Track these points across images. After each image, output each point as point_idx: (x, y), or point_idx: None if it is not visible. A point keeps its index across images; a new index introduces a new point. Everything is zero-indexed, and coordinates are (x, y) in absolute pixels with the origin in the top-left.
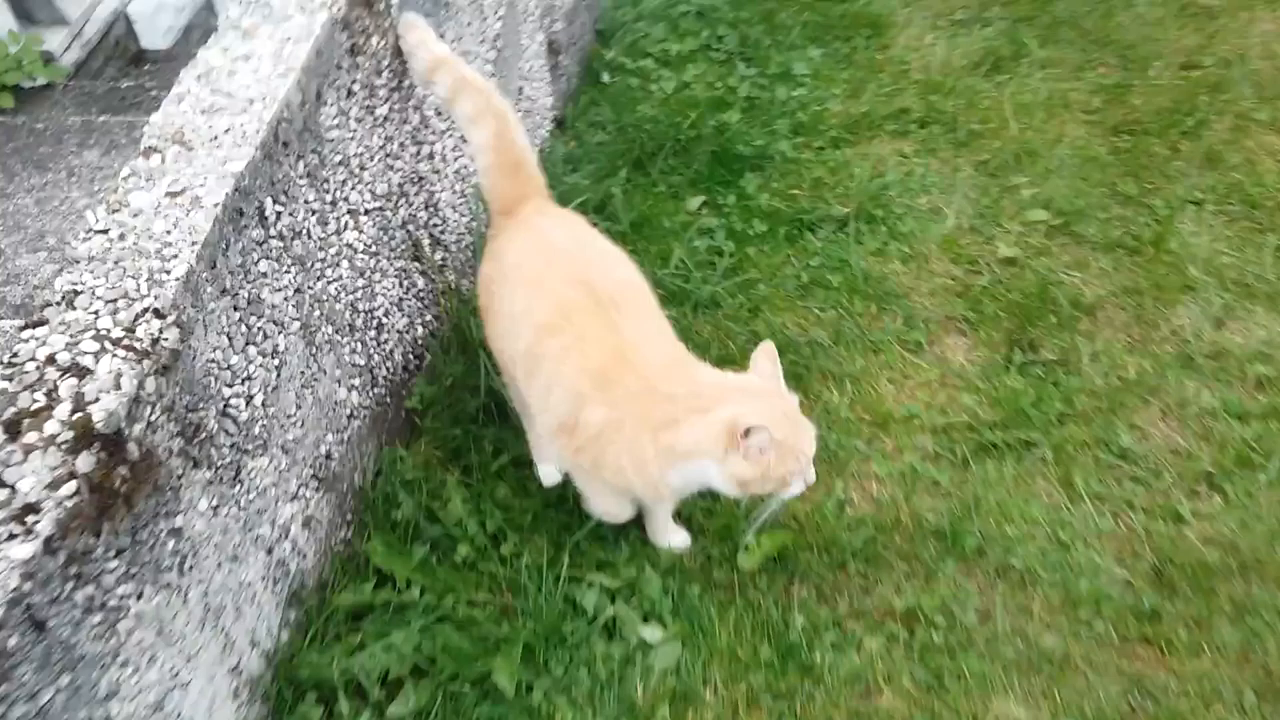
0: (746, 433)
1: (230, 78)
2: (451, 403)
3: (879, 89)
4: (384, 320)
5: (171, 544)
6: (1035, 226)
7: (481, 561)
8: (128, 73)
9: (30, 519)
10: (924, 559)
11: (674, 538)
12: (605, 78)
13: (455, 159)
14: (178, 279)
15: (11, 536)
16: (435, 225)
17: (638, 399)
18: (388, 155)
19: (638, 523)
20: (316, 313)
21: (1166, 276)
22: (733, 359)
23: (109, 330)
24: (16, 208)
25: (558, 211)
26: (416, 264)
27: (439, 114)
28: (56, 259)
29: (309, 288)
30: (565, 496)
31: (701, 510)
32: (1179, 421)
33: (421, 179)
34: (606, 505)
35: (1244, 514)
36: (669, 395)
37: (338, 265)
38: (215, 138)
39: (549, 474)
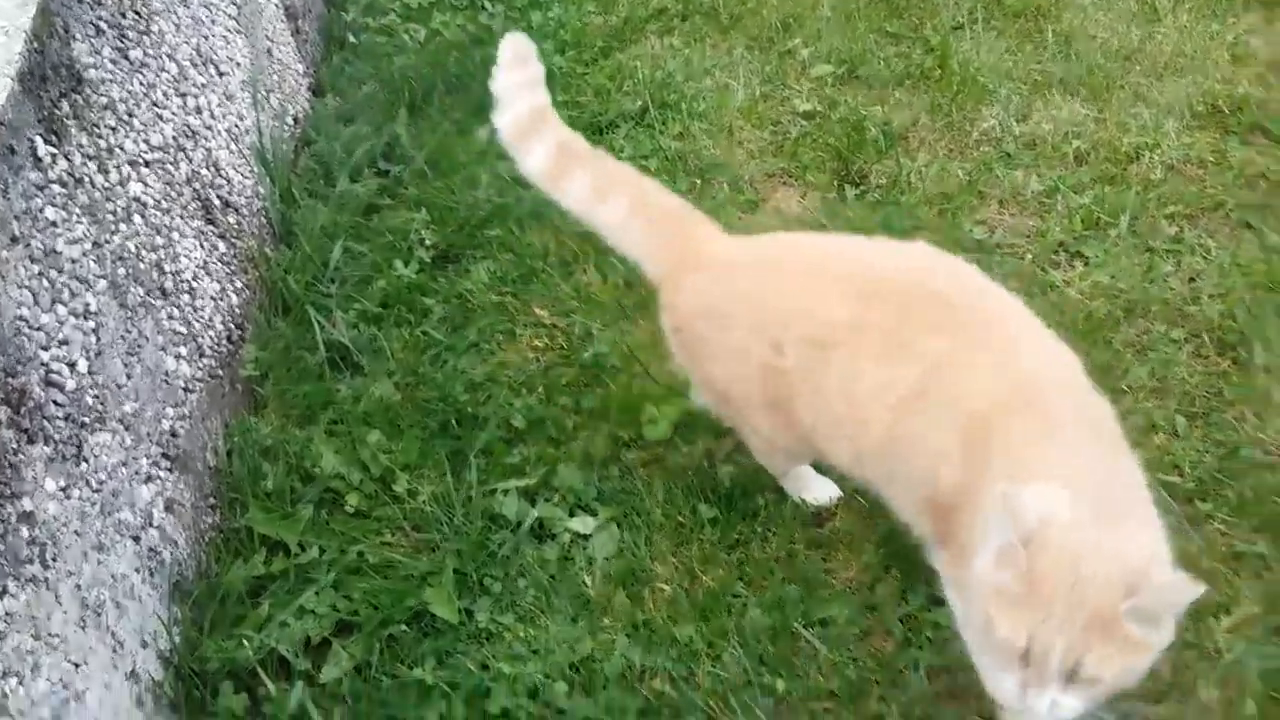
0: None
1: None
2: (291, 364)
3: None
4: (194, 285)
5: (26, 530)
6: (823, 80)
7: (377, 507)
8: None
9: None
10: None
11: None
12: (351, 38)
13: (224, 116)
14: None
15: None
16: (221, 186)
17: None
18: (154, 104)
19: (545, 431)
20: (122, 271)
21: (962, 90)
22: (576, 258)
23: None
24: None
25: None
26: (213, 227)
27: (196, 66)
28: None
29: (106, 241)
30: (447, 425)
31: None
32: (1018, 207)
33: (195, 133)
34: None
35: (1112, 268)
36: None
37: (130, 220)
38: None
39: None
